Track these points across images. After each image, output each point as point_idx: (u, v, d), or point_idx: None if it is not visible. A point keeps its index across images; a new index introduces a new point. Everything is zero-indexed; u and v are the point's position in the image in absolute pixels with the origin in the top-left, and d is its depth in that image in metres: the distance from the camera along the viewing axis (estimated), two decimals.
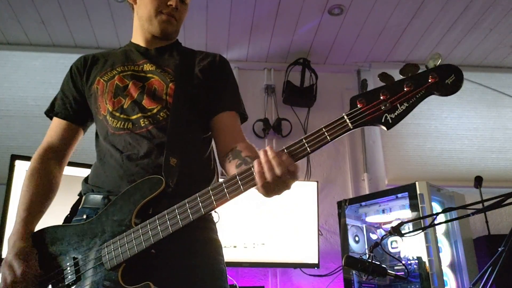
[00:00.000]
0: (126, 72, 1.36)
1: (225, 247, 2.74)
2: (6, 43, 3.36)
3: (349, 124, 0.98)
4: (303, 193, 3.00)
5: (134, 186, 1.16)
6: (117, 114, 1.30)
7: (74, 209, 1.32)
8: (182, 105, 1.30)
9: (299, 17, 3.17)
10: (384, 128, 0.97)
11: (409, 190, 2.56)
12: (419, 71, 0.97)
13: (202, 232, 1.25)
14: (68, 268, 1.16)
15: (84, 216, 1.24)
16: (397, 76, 1.01)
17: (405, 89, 0.96)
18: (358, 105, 0.98)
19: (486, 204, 1.79)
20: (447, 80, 0.94)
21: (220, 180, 1.09)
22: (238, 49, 3.52)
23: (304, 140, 1.00)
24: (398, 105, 0.96)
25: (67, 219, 1.31)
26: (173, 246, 1.15)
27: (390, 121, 0.96)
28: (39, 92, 3.32)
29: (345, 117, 0.98)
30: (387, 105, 0.96)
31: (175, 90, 1.31)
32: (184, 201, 1.08)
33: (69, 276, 1.15)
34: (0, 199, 2.61)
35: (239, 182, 1.03)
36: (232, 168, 1.21)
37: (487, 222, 2.96)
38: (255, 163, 1.02)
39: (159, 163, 1.20)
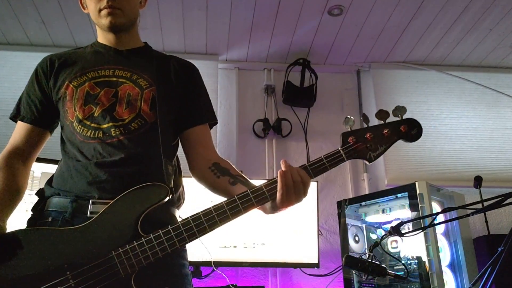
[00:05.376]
0: (97, 79, 1.33)
1: (225, 247, 2.80)
2: (6, 43, 3.36)
3: (344, 158, 1.24)
4: None
5: (133, 192, 1.16)
6: (88, 122, 1.28)
7: (37, 210, 1.27)
8: (166, 112, 1.31)
9: (299, 18, 3.17)
10: (367, 162, 1.26)
11: (409, 190, 2.56)
12: (392, 121, 1.28)
13: None
14: (70, 277, 1.09)
15: (50, 219, 1.22)
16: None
17: (384, 134, 1.27)
18: (349, 141, 1.24)
19: (485, 204, 1.78)
20: (412, 131, 1.29)
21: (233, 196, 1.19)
22: (238, 49, 3.53)
23: (308, 167, 1.21)
24: (379, 146, 1.26)
25: (32, 220, 1.25)
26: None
27: (373, 158, 1.26)
28: None
29: (341, 151, 1.24)
30: (372, 145, 1.26)
31: (158, 97, 1.31)
32: (198, 213, 1.15)
33: (73, 285, 1.08)
34: None
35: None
36: (225, 184, 1.29)
37: (486, 222, 2.95)
38: (280, 177, 1.16)
39: (129, 172, 1.22)
